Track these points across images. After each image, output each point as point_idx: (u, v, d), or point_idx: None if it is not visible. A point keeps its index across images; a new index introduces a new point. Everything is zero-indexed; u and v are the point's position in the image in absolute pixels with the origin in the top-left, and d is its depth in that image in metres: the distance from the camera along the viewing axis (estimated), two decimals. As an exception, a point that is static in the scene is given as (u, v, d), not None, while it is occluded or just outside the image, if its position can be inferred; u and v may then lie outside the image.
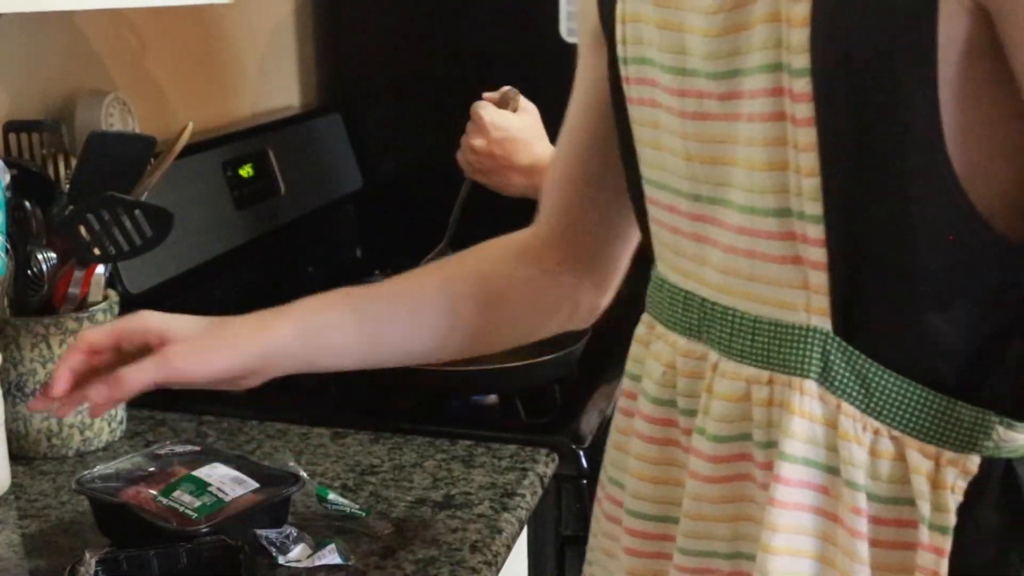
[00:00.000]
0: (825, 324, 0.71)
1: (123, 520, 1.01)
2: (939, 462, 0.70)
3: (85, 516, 1.08)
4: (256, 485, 1.03)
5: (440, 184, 2.08)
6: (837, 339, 0.71)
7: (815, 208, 0.69)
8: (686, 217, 0.79)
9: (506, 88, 1.47)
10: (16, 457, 1.21)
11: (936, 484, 0.70)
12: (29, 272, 1.20)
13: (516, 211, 1.55)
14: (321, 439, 1.29)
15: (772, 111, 0.69)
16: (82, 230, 1.19)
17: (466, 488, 1.15)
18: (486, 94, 1.49)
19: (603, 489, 0.93)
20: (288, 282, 1.81)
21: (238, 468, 1.06)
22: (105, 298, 1.26)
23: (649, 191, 0.83)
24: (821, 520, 0.73)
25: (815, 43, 0.66)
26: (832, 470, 0.72)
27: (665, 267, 0.84)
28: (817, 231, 0.69)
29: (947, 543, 0.69)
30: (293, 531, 1.02)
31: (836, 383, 0.71)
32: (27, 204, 1.21)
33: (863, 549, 0.71)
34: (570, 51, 1.94)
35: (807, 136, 0.67)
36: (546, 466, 1.22)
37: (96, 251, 1.20)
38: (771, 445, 0.74)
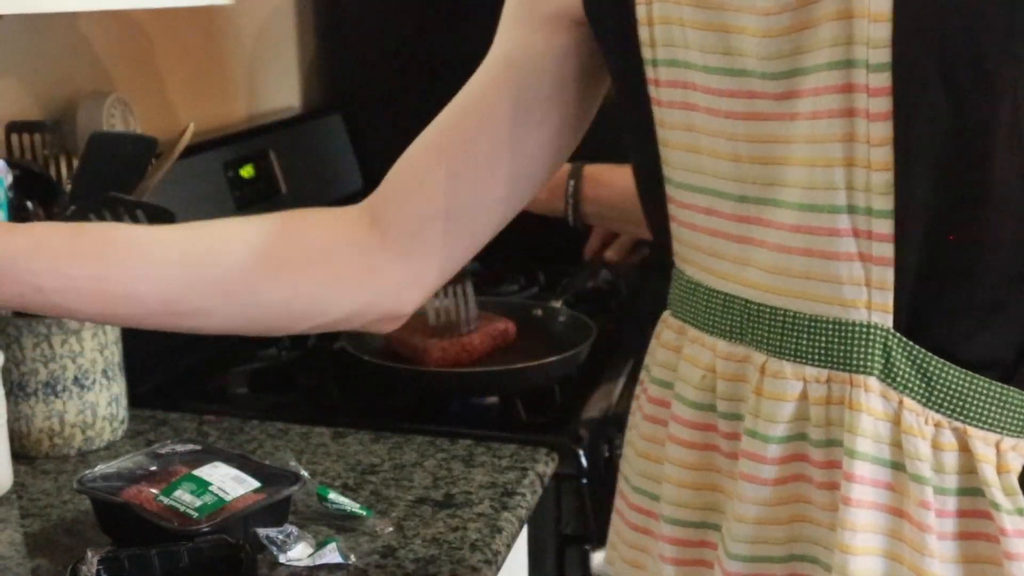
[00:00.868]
0: (886, 321, 0.71)
1: (124, 520, 1.01)
2: (999, 448, 0.71)
3: (87, 515, 1.08)
4: (257, 484, 1.04)
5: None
6: (898, 335, 0.71)
7: (884, 203, 0.69)
8: (731, 219, 0.77)
9: None
10: (18, 456, 1.22)
11: (1001, 469, 0.71)
12: (31, 272, 1.20)
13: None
14: (322, 438, 1.29)
15: (840, 107, 0.69)
16: (84, 230, 1.19)
17: (466, 487, 1.16)
18: None
19: (625, 499, 0.90)
20: (289, 282, 1.81)
21: (239, 467, 1.06)
22: (106, 298, 1.27)
23: (678, 194, 0.81)
24: (889, 517, 0.73)
25: (898, 37, 0.66)
26: (897, 466, 0.72)
27: (697, 270, 0.82)
28: (885, 226, 0.69)
29: None
30: (294, 530, 1.02)
31: (898, 379, 0.72)
32: (29, 204, 1.21)
33: (932, 542, 0.71)
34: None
35: (882, 130, 0.68)
36: (546, 465, 1.22)
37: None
38: (831, 443, 0.74)
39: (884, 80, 0.67)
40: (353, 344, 1.46)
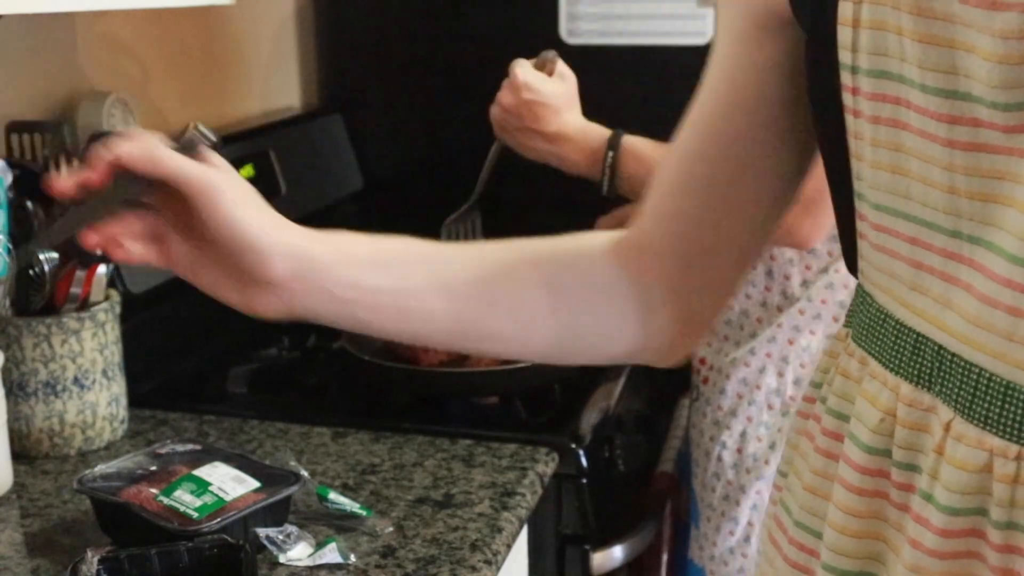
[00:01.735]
0: None
1: (124, 520, 1.01)
2: None
3: (87, 515, 1.08)
4: (257, 484, 1.04)
5: (440, 184, 2.09)
6: None
7: None
8: (939, 254, 0.69)
9: (546, 52, 1.46)
10: (18, 456, 1.22)
11: None
12: (31, 272, 1.20)
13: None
14: (322, 438, 1.29)
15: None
16: (84, 230, 1.19)
17: (466, 487, 1.16)
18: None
19: (786, 533, 0.82)
20: (289, 282, 1.81)
21: (239, 467, 1.06)
22: (107, 298, 1.27)
23: (874, 215, 0.74)
24: None
25: None
26: None
27: (890, 300, 0.74)
28: None
29: None
30: (294, 530, 1.02)
31: None
32: (29, 204, 1.21)
33: None
34: (570, 51, 1.96)
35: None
36: (546, 465, 1.22)
37: (98, 251, 1.20)
38: (1012, 526, 0.66)
39: None
40: (353, 344, 1.46)
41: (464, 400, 1.42)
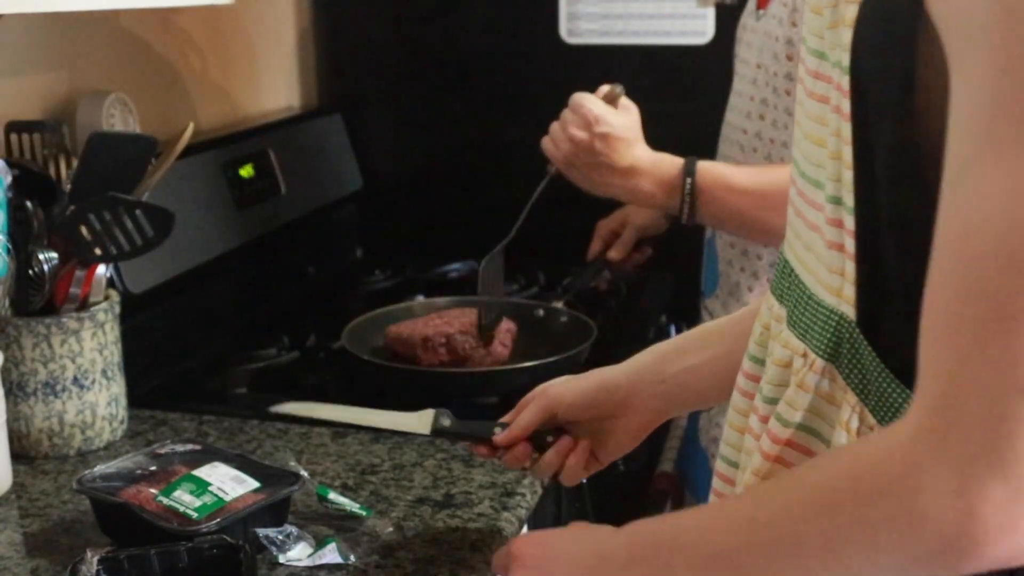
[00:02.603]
0: (851, 313, 0.74)
1: (124, 520, 1.01)
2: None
3: (86, 515, 1.08)
4: (256, 484, 1.04)
5: (440, 184, 2.09)
6: (856, 330, 0.73)
7: (850, 199, 0.72)
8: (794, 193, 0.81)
9: (612, 85, 1.43)
10: (18, 456, 1.22)
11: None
12: (31, 272, 1.20)
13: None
14: (322, 438, 1.29)
15: (833, 104, 0.73)
16: (83, 230, 1.19)
17: (466, 487, 1.16)
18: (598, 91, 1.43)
19: (716, 468, 0.92)
20: (288, 282, 1.81)
21: (238, 467, 1.06)
22: (106, 298, 1.27)
23: (792, 169, 0.85)
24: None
25: (855, 43, 0.70)
26: (827, 443, 0.75)
27: (786, 239, 0.85)
28: (851, 222, 0.72)
29: None
30: (294, 530, 1.02)
31: (844, 370, 0.74)
32: (28, 204, 1.21)
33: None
34: (570, 51, 1.96)
35: (847, 130, 0.71)
36: (546, 465, 1.22)
37: (97, 251, 1.20)
38: (773, 402, 0.79)
39: (847, 83, 0.71)
40: (353, 344, 1.46)
41: (464, 400, 1.42)
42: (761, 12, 1.45)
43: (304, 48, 2.11)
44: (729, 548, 0.72)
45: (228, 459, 1.08)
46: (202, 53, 1.78)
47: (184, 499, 1.00)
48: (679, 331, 1.86)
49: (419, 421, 1.09)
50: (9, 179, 1.16)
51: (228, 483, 1.03)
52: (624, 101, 1.42)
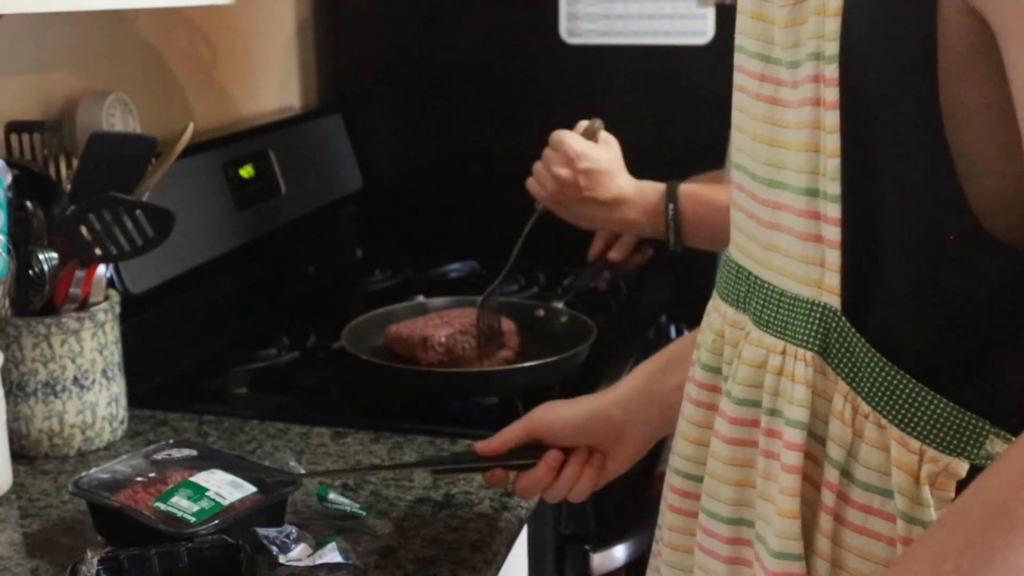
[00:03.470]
0: (835, 302, 0.74)
1: (120, 524, 1.01)
2: (922, 458, 0.71)
3: (86, 516, 1.08)
4: (253, 489, 1.03)
5: (440, 184, 2.09)
6: (842, 319, 0.74)
7: (835, 188, 0.73)
8: (758, 201, 0.81)
9: (591, 120, 1.43)
10: (18, 456, 1.22)
11: (916, 479, 0.71)
12: (31, 272, 1.20)
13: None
14: (321, 438, 1.29)
15: (811, 96, 0.74)
16: (83, 230, 1.19)
17: (466, 487, 1.16)
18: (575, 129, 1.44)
19: (669, 483, 0.92)
20: (288, 282, 1.81)
21: (236, 471, 1.05)
22: (106, 298, 1.27)
23: (735, 175, 0.86)
24: (808, 487, 0.76)
25: (844, 31, 0.71)
26: (821, 441, 0.76)
27: (733, 246, 0.87)
28: (835, 210, 0.73)
29: None
30: (294, 530, 1.02)
31: (834, 360, 0.75)
32: (29, 204, 1.21)
33: (826, 522, 0.74)
34: (570, 51, 1.96)
35: (833, 119, 0.72)
36: (546, 466, 1.22)
37: (97, 251, 1.20)
38: (774, 413, 0.78)
39: (833, 71, 0.71)
40: (353, 344, 1.46)
41: (464, 400, 1.42)
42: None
43: (304, 48, 2.11)
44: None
45: (226, 464, 1.07)
46: (202, 53, 1.78)
47: (182, 504, 1.00)
48: (679, 331, 1.86)
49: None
50: (9, 179, 1.16)
51: (226, 488, 1.02)
52: (604, 135, 1.43)
